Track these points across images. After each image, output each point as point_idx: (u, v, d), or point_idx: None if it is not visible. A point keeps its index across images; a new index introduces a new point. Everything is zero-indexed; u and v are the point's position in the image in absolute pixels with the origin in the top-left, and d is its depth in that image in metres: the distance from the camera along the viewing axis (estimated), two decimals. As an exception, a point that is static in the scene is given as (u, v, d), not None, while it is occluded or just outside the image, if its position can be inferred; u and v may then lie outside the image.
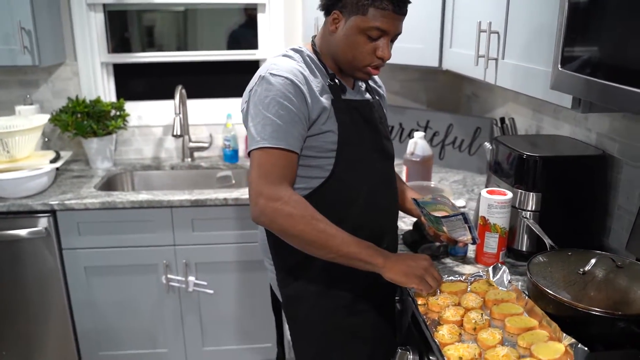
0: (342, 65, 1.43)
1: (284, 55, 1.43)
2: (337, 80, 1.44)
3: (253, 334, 2.53)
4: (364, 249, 1.33)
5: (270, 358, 2.54)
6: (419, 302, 1.37)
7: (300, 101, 1.33)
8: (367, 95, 1.55)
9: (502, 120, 2.22)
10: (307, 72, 1.38)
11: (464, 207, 2.13)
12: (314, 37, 1.50)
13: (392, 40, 1.41)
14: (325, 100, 1.38)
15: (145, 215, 2.29)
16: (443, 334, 1.22)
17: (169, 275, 2.37)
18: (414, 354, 1.33)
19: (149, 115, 2.81)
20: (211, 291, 2.41)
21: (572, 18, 1.20)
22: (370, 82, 1.61)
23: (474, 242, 1.47)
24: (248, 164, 2.76)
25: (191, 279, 2.38)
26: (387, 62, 1.44)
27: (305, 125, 1.35)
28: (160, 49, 2.89)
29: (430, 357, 1.27)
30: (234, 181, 2.74)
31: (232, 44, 2.91)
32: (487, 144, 2.22)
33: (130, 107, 2.77)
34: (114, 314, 2.41)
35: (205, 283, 2.40)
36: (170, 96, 2.69)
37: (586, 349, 1.10)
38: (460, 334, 1.23)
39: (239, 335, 2.53)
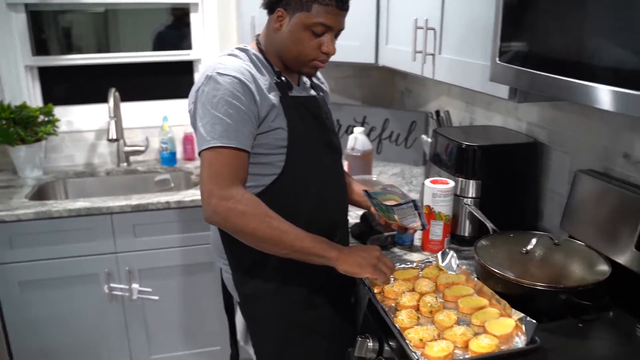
0: (288, 61, 1.44)
1: (230, 55, 1.43)
2: (283, 78, 1.45)
3: (201, 338, 2.50)
4: (317, 244, 1.35)
5: (220, 361, 2.52)
6: (375, 290, 1.41)
7: (248, 100, 1.33)
8: (313, 92, 1.58)
9: (438, 113, 2.32)
10: (254, 70, 1.39)
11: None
12: (258, 35, 1.51)
13: (336, 36, 1.44)
14: (273, 97, 1.40)
15: (84, 224, 2.20)
16: (402, 318, 1.27)
17: (112, 284, 2.29)
18: (374, 342, 1.37)
19: (80, 120, 2.70)
20: (156, 297, 2.36)
21: (507, 13, 1.27)
22: (314, 79, 1.64)
23: (423, 228, 1.53)
24: (187, 166, 2.73)
25: (135, 286, 2.32)
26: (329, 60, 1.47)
27: (255, 124, 1.35)
28: (89, 50, 2.78)
29: (390, 343, 1.32)
30: (172, 184, 2.68)
31: (165, 45, 2.86)
32: (424, 137, 2.32)
33: (60, 112, 2.65)
34: (53, 331, 2.30)
35: (150, 289, 2.34)
36: (103, 100, 2.61)
37: (534, 321, 1.18)
38: (418, 317, 1.29)
39: (187, 341, 2.48)
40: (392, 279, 1.46)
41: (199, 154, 1.34)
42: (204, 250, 2.36)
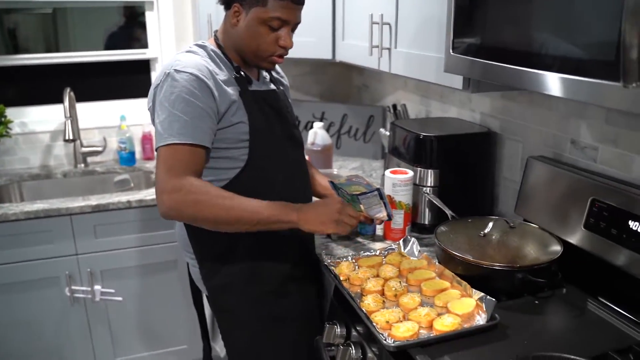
0: (246, 56, 1.46)
1: (188, 51, 1.44)
2: (242, 73, 1.47)
3: (167, 338, 2.48)
4: (277, 210, 1.36)
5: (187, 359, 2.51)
6: (342, 278, 1.45)
7: (206, 96, 1.34)
8: (272, 86, 1.60)
9: (395, 107, 2.37)
10: (212, 66, 1.40)
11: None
12: (216, 32, 1.52)
13: (293, 29, 1.47)
14: (232, 92, 1.41)
15: (42, 226, 2.16)
16: (368, 303, 1.31)
17: (73, 287, 2.25)
18: (341, 327, 1.40)
19: (34, 122, 2.63)
20: (120, 298, 2.33)
21: (459, 7, 1.33)
22: (273, 73, 1.66)
23: (389, 218, 1.57)
24: (147, 166, 2.70)
25: (97, 287, 2.29)
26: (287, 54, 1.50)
27: (214, 119, 1.37)
28: (38, 50, 2.72)
29: (357, 327, 1.35)
30: (132, 184, 2.66)
31: (119, 44, 2.82)
32: (382, 130, 2.37)
33: (13, 113, 2.58)
34: (14, 336, 2.24)
35: (112, 291, 2.32)
36: (58, 100, 2.55)
37: (494, 300, 1.24)
38: (383, 301, 1.33)
39: (152, 341, 2.47)
40: (357, 266, 1.50)
41: (156, 150, 1.35)
42: (168, 248, 2.35)
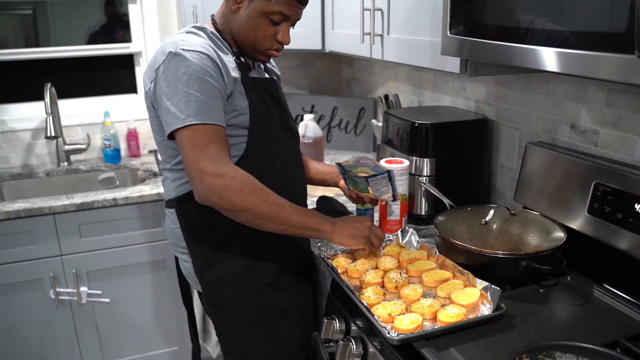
0: (242, 46, 1.42)
1: (189, 32, 1.37)
2: (242, 59, 1.42)
3: (157, 340, 2.41)
4: (312, 217, 1.35)
5: (178, 361, 2.45)
6: (339, 270, 1.39)
7: (218, 75, 1.30)
8: (267, 75, 1.55)
9: (386, 97, 2.32)
10: (215, 48, 1.35)
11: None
12: (213, 15, 1.46)
13: (292, 25, 1.43)
14: (235, 76, 1.36)
15: (24, 226, 2.08)
16: (369, 295, 1.25)
17: (58, 289, 2.17)
18: (340, 322, 1.35)
19: (14, 120, 2.55)
20: (107, 300, 2.26)
21: (456, -14, 1.28)
22: (267, 63, 1.61)
23: (394, 199, 1.52)
24: (132, 163, 2.63)
25: (83, 289, 2.21)
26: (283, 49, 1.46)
27: (224, 100, 1.32)
28: (17, 45, 2.64)
29: (357, 322, 1.30)
30: (118, 182, 2.58)
31: (102, 39, 2.74)
32: (374, 121, 2.32)
33: (-10, 111, 2.50)
34: (-5, 340, 2.17)
35: (99, 292, 2.24)
36: (38, 98, 2.47)
37: (499, 289, 1.19)
38: (384, 293, 1.28)
39: (141, 343, 2.39)
40: (354, 258, 1.45)
41: (171, 134, 1.28)
42: (156, 247, 2.28)
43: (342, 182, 1.61)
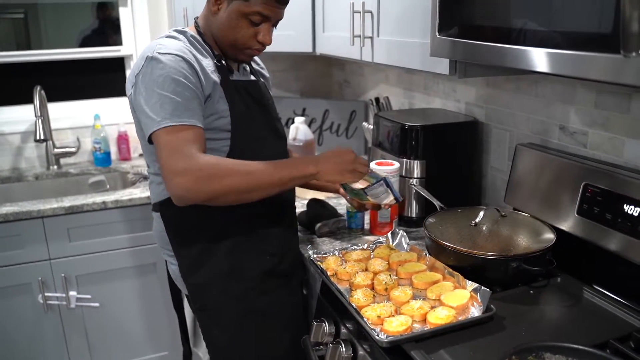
0: (223, 47, 1.42)
1: (168, 37, 1.37)
2: (223, 62, 1.41)
3: (147, 344, 2.39)
4: (293, 166, 1.34)
5: (168, 366, 2.43)
6: (329, 273, 1.39)
7: (194, 77, 1.29)
8: (252, 77, 1.54)
9: (377, 99, 2.32)
10: (194, 52, 1.35)
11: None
12: (197, 18, 1.46)
13: (274, 25, 1.42)
14: (214, 79, 1.36)
15: (12, 230, 2.06)
16: (358, 297, 1.25)
17: (47, 294, 2.15)
18: (330, 325, 1.34)
19: (2, 122, 2.52)
20: (96, 304, 2.23)
21: (445, -12, 1.28)
22: (254, 65, 1.61)
23: (397, 202, 1.51)
24: (123, 166, 2.61)
25: (72, 294, 2.19)
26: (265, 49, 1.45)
27: (202, 102, 1.31)
28: (8, 48, 2.62)
29: (347, 324, 1.29)
30: (108, 186, 2.56)
31: (92, 42, 2.73)
32: (365, 124, 2.32)
33: (-22, 114, 2.48)
34: (-17, 346, 2.14)
35: (89, 296, 2.22)
36: (27, 101, 2.45)
37: (489, 290, 1.19)
38: (373, 295, 1.27)
39: (131, 348, 2.37)
40: (344, 261, 1.45)
41: (149, 137, 1.27)
42: (146, 250, 2.26)
43: (342, 190, 1.60)
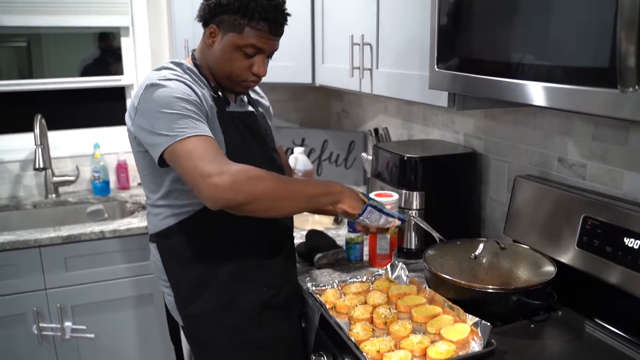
0: (219, 78, 1.43)
1: (165, 68, 1.38)
2: (220, 93, 1.42)
3: (142, 376, 2.35)
4: (321, 183, 1.40)
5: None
6: (328, 306, 1.37)
7: (197, 99, 1.31)
8: (250, 108, 1.55)
9: (376, 130, 2.33)
10: (191, 82, 1.36)
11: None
12: (194, 50, 1.47)
13: (269, 56, 1.44)
14: (211, 110, 1.37)
15: (8, 259, 2.04)
16: (357, 331, 1.23)
17: (41, 324, 2.12)
18: (328, 359, 1.32)
19: (2, 151, 2.53)
20: (92, 335, 2.20)
21: (442, 24, 1.30)
22: (253, 95, 1.62)
23: (402, 221, 1.51)
24: (121, 195, 2.60)
25: (68, 324, 2.16)
26: (261, 81, 1.47)
27: (206, 123, 1.31)
28: (11, 76, 2.64)
29: (345, 358, 1.27)
30: (106, 215, 2.55)
31: (94, 71, 2.75)
32: (364, 155, 2.32)
33: (-22, 142, 2.48)
34: (-25, 378, 2.10)
35: (84, 327, 2.19)
36: (28, 129, 2.46)
37: (489, 324, 1.17)
38: (372, 329, 1.25)
39: (126, 380, 2.33)
40: (343, 294, 1.43)
41: (162, 155, 1.25)
42: (143, 281, 2.24)
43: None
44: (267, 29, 1.35)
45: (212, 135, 1.27)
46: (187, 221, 1.39)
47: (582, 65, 0.96)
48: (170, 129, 1.23)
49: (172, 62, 1.42)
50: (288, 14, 1.40)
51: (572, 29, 0.97)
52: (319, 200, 1.37)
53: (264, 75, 1.42)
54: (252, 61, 1.38)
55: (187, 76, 1.37)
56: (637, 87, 0.82)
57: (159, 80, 1.29)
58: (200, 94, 1.34)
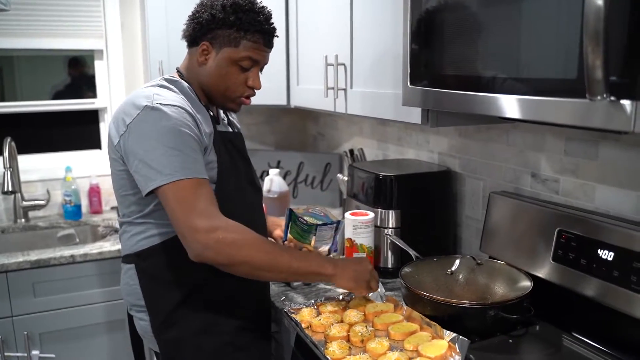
0: (213, 96, 1.41)
1: (161, 86, 1.34)
2: (211, 112, 1.41)
3: (113, 407, 2.27)
4: (312, 261, 1.33)
5: None
6: (303, 325, 1.34)
7: (196, 129, 1.28)
8: (230, 129, 1.54)
9: (352, 151, 2.34)
10: (189, 107, 1.32)
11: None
12: (178, 68, 1.45)
13: (261, 70, 1.43)
14: (209, 130, 1.35)
15: (-26, 286, 1.97)
16: (333, 350, 1.20)
17: (7, 353, 2.04)
18: (304, 379, 1.29)
19: (-31, 175, 2.47)
20: (60, 364, 2.13)
21: (414, 43, 1.31)
22: (230, 116, 1.61)
23: (329, 253, 1.52)
24: (94, 219, 2.55)
25: (35, 353, 2.07)
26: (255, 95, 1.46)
27: (203, 154, 1.30)
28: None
29: (322, 378, 1.24)
30: (77, 240, 2.49)
31: (67, 94, 2.72)
32: (340, 176, 2.32)
33: (-55, 166, 2.42)
34: None
35: (53, 356, 2.09)
36: (-4, 152, 2.41)
37: (467, 340, 1.16)
38: (349, 347, 1.23)
39: (96, 411, 2.25)
40: (319, 312, 1.41)
41: (152, 191, 1.22)
42: (116, 306, 2.18)
43: (276, 232, 1.60)
44: (262, 40, 1.36)
45: (207, 177, 1.26)
46: (172, 241, 1.33)
47: (551, 77, 0.97)
48: (165, 166, 1.21)
49: (167, 80, 1.38)
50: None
51: (540, 42, 0.98)
52: (307, 278, 1.36)
53: (260, 88, 1.41)
54: (248, 75, 1.38)
55: (184, 96, 1.34)
56: (605, 96, 0.83)
57: (161, 104, 1.25)
58: (199, 119, 1.31)
